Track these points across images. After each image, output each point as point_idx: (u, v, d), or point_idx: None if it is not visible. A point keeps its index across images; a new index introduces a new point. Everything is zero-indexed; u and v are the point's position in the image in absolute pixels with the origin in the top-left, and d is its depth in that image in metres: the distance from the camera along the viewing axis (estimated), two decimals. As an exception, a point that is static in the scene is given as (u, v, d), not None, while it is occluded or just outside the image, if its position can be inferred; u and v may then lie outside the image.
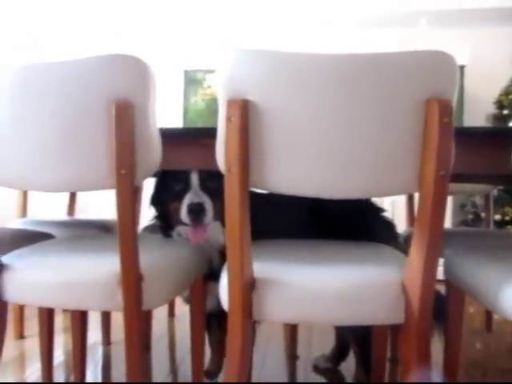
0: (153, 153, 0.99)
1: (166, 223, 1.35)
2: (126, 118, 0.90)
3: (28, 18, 3.19)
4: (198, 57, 3.48)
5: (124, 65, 0.91)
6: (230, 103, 0.87)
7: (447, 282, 1.29)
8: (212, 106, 2.52)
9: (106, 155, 0.93)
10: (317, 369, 1.71)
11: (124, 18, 3.66)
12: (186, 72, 3.18)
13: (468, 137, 1.03)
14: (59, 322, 2.14)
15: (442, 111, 0.83)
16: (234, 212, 0.89)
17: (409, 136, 0.86)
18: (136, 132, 0.93)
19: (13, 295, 1.06)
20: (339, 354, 1.69)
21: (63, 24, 3.48)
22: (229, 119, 0.87)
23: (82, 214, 2.55)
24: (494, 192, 2.44)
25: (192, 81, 2.85)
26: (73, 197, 2.34)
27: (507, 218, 3.07)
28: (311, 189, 0.90)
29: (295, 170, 0.89)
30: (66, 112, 0.92)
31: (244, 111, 0.86)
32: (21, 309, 2.00)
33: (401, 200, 2.38)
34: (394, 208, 2.58)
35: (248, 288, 0.93)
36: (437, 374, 0.95)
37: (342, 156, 0.87)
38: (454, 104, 0.85)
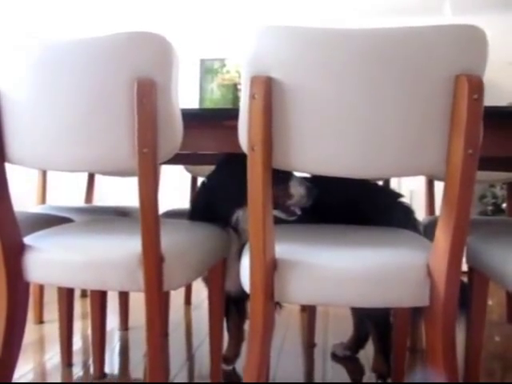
0: (175, 132, 0.98)
1: (223, 208, 1.32)
2: (148, 95, 0.90)
3: (28, 17, 3.21)
4: (214, 46, 3.48)
5: (147, 42, 0.91)
6: (254, 80, 0.86)
7: (470, 270, 1.27)
8: (228, 95, 2.52)
9: (129, 134, 0.93)
10: (335, 357, 1.70)
11: (137, 11, 3.66)
12: (202, 61, 3.17)
13: (493, 117, 1.01)
14: (77, 308, 2.17)
15: (471, 87, 0.80)
16: (257, 192, 0.88)
17: (437, 113, 0.84)
18: (158, 111, 0.92)
19: (35, 275, 1.07)
20: (358, 342, 1.68)
21: (67, 23, 3.49)
22: (252, 96, 0.86)
23: (99, 202, 2.56)
24: (516, 182, 2.38)
25: (208, 69, 2.85)
26: (91, 184, 2.36)
27: (528, 209, 3.01)
28: (336, 168, 0.89)
29: (319, 149, 0.88)
30: (89, 89, 0.92)
31: (268, 88, 0.85)
32: (40, 294, 2.03)
33: (419, 190, 2.36)
34: (413, 197, 2.55)
35: (270, 269, 0.92)
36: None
37: (368, 134, 0.86)
38: (484, 80, 0.83)
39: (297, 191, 1.28)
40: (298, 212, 1.28)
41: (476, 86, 0.81)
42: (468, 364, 1.31)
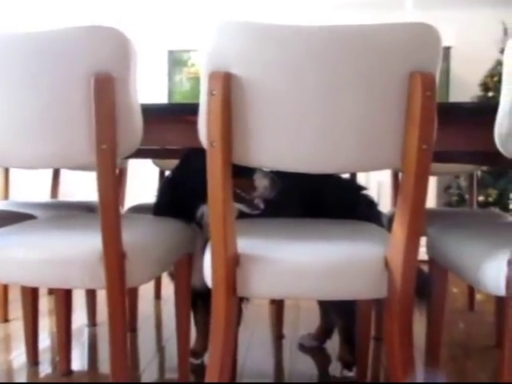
0: (134, 127, 0.97)
1: (188, 203, 1.32)
2: (106, 91, 0.89)
3: (25, 16, 3.11)
4: (182, 37, 3.43)
5: (104, 37, 0.89)
6: (213, 76, 0.86)
7: (430, 260, 1.30)
8: (197, 86, 2.50)
9: (87, 130, 0.92)
10: (302, 347, 1.73)
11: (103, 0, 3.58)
12: (170, 52, 3.13)
13: (452, 113, 1.04)
14: (44, 305, 2.14)
15: (425, 84, 0.82)
16: (217, 187, 0.89)
17: (392, 109, 0.86)
18: (117, 106, 0.91)
19: (-6, 274, 1.04)
20: (324, 332, 1.71)
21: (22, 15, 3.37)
22: (211, 93, 0.85)
23: (65, 197, 2.52)
24: (478, 173, 2.46)
25: (176, 61, 2.81)
26: (56, 179, 2.31)
27: (490, 199, 3.12)
28: (294, 163, 0.90)
29: (278, 144, 0.88)
30: (44, 84, 0.90)
31: (226, 84, 0.85)
32: (5, 292, 1.98)
33: (387, 181, 2.40)
34: (380, 189, 2.60)
35: (232, 264, 0.93)
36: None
37: (325, 130, 0.87)
38: (438, 78, 0.85)
39: (261, 183, 1.28)
40: (262, 206, 1.29)
41: (429, 83, 0.83)
42: (429, 350, 1.35)
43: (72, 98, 0.91)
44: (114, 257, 0.96)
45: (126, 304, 0.99)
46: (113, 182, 0.93)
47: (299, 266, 0.93)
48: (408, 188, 0.88)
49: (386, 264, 0.93)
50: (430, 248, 1.25)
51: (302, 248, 0.97)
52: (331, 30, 0.85)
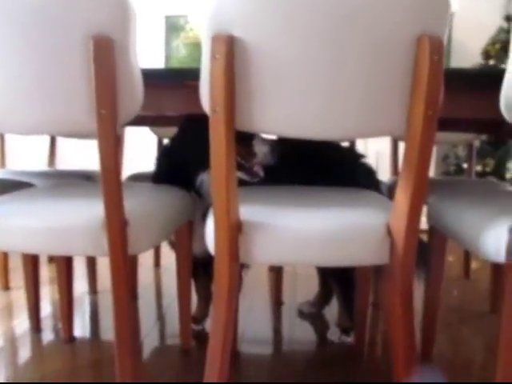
0: (135, 92, 0.95)
1: (187, 171, 1.31)
2: (105, 54, 0.86)
3: None
4: (178, 1, 3.33)
5: (102, -3, 0.86)
6: (215, 39, 0.83)
7: (430, 229, 1.31)
8: (194, 52, 2.44)
9: (86, 94, 0.90)
10: (301, 314, 1.75)
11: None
12: (167, 18, 3.04)
13: (454, 79, 1.02)
14: (45, 272, 2.15)
15: (432, 48, 0.80)
16: (220, 154, 0.87)
17: (398, 74, 0.84)
18: (116, 70, 0.89)
19: (-5, 242, 1.04)
20: (323, 299, 1.74)
21: None
22: (213, 56, 0.83)
23: (62, 166, 2.50)
24: (477, 143, 2.45)
25: (173, 27, 2.74)
26: (52, 148, 2.29)
27: (488, 169, 3.12)
28: (298, 129, 0.89)
29: (282, 110, 0.87)
30: (42, 47, 0.88)
31: (230, 47, 0.83)
32: (5, 260, 1.99)
33: (385, 150, 2.39)
34: (379, 158, 2.59)
35: (234, 231, 0.92)
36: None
37: (330, 94, 0.85)
38: (445, 42, 0.83)
39: (260, 150, 1.27)
40: (261, 174, 1.28)
41: (437, 47, 0.81)
42: (426, 317, 1.37)
43: (70, 62, 0.88)
44: (117, 224, 0.95)
45: (128, 271, 0.99)
46: (114, 148, 0.92)
47: (301, 232, 0.93)
48: (412, 155, 0.87)
49: (388, 231, 0.93)
50: (431, 216, 1.26)
51: (304, 215, 0.97)
52: (337, -9, 0.82)
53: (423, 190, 0.89)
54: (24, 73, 0.89)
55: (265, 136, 1.30)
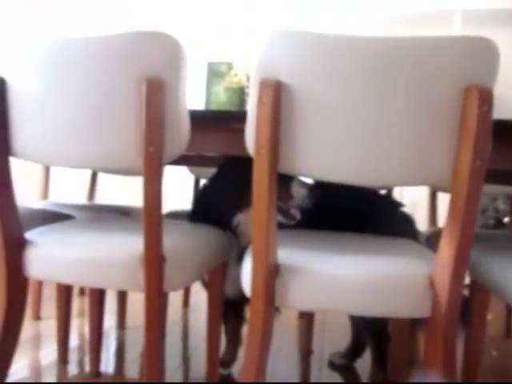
0: (182, 132, 0.98)
1: (224, 211, 1.32)
2: (156, 95, 0.90)
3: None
4: (221, 49, 3.48)
5: (157, 42, 0.91)
6: (263, 84, 0.86)
7: (472, 283, 1.26)
8: (234, 98, 2.52)
9: (135, 132, 0.93)
10: (331, 365, 1.68)
11: (141, 12, 3.68)
12: (209, 64, 3.18)
13: (498, 130, 1.00)
14: (75, 305, 2.16)
15: (481, 99, 0.80)
16: (262, 195, 0.88)
17: (444, 123, 0.84)
18: (166, 110, 0.92)
19: (35, 271, 1.06)
20: (355, 350, 1.67)
21: (75, 22, 3.48)
22: (260, 100, 0.85)
23: (100, 201, 2.56)
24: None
25: (215, 73, 2.85)
26: (93, 183, 2.35)
27: (529, 224, 3.00)
28: (340, 174, 0.89)
29: (325, 155, 0.87)
30: (97, 87, 0.92)
31: (276, 92, 0.85)
32: (39, 290, 2.02)
33: (422, 201, 2.35)
34: (415, 209, 2.55)
35: (272, 273, 0.91)
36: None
37: (374, 142, 0.86)
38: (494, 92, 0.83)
39: (298, 192, 1.27)
40: (298, 216, 1.27)
41: (486, 98, 0.80)
42: (465, 377, 1.30)
43: (122, 101, 0.92)
44: (154, 260, 0.96)
45: (163, 308, 0.99)
46: (158, 185, 0.94)
47: (339, 278, 0.91)
48: (458, 206, 0.85)
49: (431, 282, 0.90)
50: (474, 270, 1.21)
51: (343, 260, 0.95)
52: (383, 41, 0.84)
53: (469, 241, 0.86)
54: (78, 109, 0.94)
55: (303, 179, 1.30)
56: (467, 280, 1.24)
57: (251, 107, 0.89)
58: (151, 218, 0.95)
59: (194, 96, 3.36)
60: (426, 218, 2.21)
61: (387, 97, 0.84)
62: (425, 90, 0.83)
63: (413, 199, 2.64)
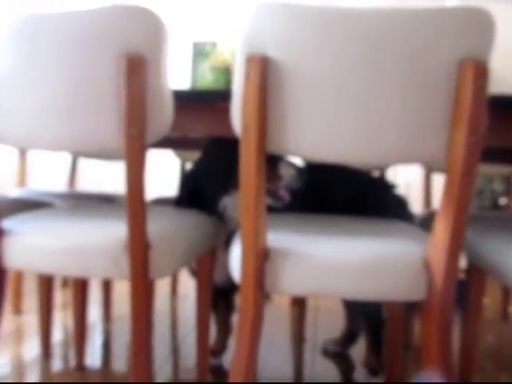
0: (165, 112, 0.97)
1: (210, 195, 1.32)
2: (137, 72, 0.89)
3: None
4: (205, 28, 3.44)
5: (137, 17, 0.89)
6: (249, 59, 0.85)
7: (468, 265, 1.28)
8: (220, 77, 2.49)
9: (115, 113, 0.92)
10: (325, 352, 1.70)
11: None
12: (194, 44, 3.14)
13: (494, 105, 1.01)
14: (58, 298, 2.16)
15: (476, 73, 0.80)
16: (250, 176, 0.87)
17: (438, 99, 0.84)
18: (148, 89, 0.91)
19: (14, 261, 1.05)
20: (349, 337, 1.69)
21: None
22: (247, 76, 0.84)
23: (81, 187, 2.54)
24: (515, 177, 2.40)
25: (200, 53, 2.82)
26: (74, 170, 2.33)
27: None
28: (331, 153, 0.88)
29: (316, 133, 0.87)
30: (74, 66, 0.91)
31: (263, 67, 0.84)
32: (19, 283, 2.01)
33: (416, 182, 2.37)
34: (409, 190, 2.56)
35: (262, 258, 0.91)
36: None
37: (367, 119, 0.85)
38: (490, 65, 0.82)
39: (286, 172, 1.26)
40: (287, 198, 1.26)
41: (481, 72, 0.80)
42: (462, 361, 1.32)
43: (101, 80, 0.91)
44: (139, 246, 0.96)
45: (149, 297, 0.99)
46: (141, 168, 0.93)
47: (332, 261, 0.91)
48: (453, 184, 0.85)
49: (425, 264, 0.91)
50: (470, 251, 1.23)
51: (335, 244, 0.96)
52: (375, 12, 0.83)
53: (464, 221, 0.87)
54: (54, 89, 0.92)
55: (291, 160, 1.29)
56: (463, 263, 1.25)
57: (237, 84, 0.88)
58: (134, 202, 0.94)
59: (179, 78, 3.34)
60: (421, 199, 2.22)
61: (379, 71, 0.83)
62: (417, 63, 0.83)
63: (407, 181, 2.65)
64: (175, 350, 1.72)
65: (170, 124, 0.99)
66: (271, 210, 1.26)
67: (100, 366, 1.58)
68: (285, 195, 1.27)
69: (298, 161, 1.30)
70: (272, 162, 1.24)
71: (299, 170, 1.26)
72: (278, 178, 1.26)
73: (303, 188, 1.26)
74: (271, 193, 1.27)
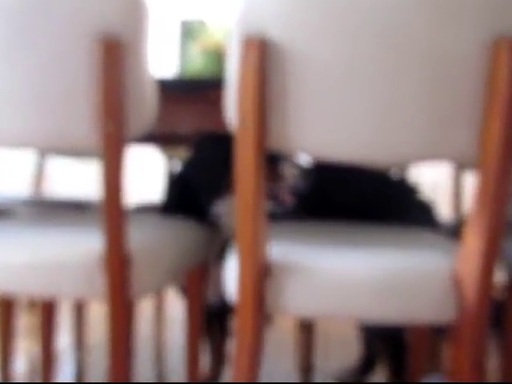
0: (147, 102, 0.97)
1: (201, 199, 1.33)
2: (115, 58, 0.89)
3: None
4: (197, 5, 3.45)
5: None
6: (246, 43, 0.84)
7: (508, 281, 1.27)
8: (213, 62, 2.50)
9: (90, 104, 0.92)
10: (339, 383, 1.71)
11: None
12: (182, 23, 3.14)
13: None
14: (22, 322, 2.15)
15: (513, 55, 0.80)
16: (248, 177, 0.87)
17: (468, 85, 0.84)
18: (127, 76, 0.91)
19: (-32, 280, 1.05)
20: (366, 365, 1.69)
21: None
22: (243, 61, 0.84)
23: (50, 193, 2.54)
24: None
25: (190, 34, 2.82)
26: (40, 171, 2.33)
27: None
28: (344, 150, 0.88)
29: (325, 127, 0.87)
30: (42, 49, 0.91)
31: (262, 51, 0.84)
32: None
33: (444, 183, 2.37)
34: (436, 193, 2.57)
35: (262, 273, 0.91)
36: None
37: (384, 111, 0.85)
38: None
39: (288, 172, 1.26)
40: (290, 202, 1.26)
41: (518, 53, 0.80)
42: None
43: (73, 66, 0.91)
44: (118, 261, 0.95)
45: (130, 321, 0.99)
46: (119, 168, 0.93)
47: (345, 278, 0.91)
48: (487, 185, 0.85)
49: (455, 281, 0.91)
50: (509, 264, 1.23)
51: (348, 256, 0.96)
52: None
53: (500, 229, 0.87)
54: (20, 78, 0.92)
55: (294, 158, 1.30)
56: (500, 279, 1.25)
57: (232, 71, 0.88)
58: (112, 208, 0.94)
59: (165, 63, 3.34)
60: (449, 203, 2.23)
61: (399, 56, 0.83)
62: (445, 45, 0.83)
63: (433, 182, 2.66)
64: (161, 382, 1.72)
65: (154, 117, 1.00)
66: (272, 216, 1.26)
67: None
68: (288, 199, 1.27)
69: (303, 159, 1.30)
70: (272, 160, 1.24)
71: (304, 170, 1.26)
72: (279, 178, 1.27)
73: (309, 190, 1.26)
74: (271, 196, 1.27)
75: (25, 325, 2.14)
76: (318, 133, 0.88)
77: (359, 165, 0.91)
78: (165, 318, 2.36)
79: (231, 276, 0.96)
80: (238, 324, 0.94)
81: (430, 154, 0.89)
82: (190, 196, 1.34)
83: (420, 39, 0.82)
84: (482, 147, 0.85)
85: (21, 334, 1.92)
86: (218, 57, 2.58)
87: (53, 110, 0.94)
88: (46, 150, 2.07)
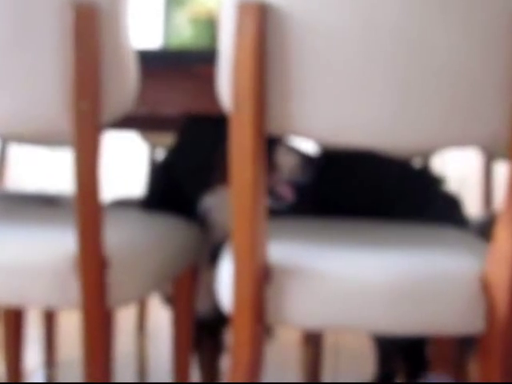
0: (126, 79, 0.98)
1: (188, 192, 1.34)
2: (89, 27, 0.89)
3: None
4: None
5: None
6: (242, 9, 0.84)
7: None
8: (203, 32, 2.51)
9: (60, 81, 0.92)
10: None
11: None
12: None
13: None
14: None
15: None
16: (244, 168, 0.88)
17: (501, 60, 0.84)
18: (103, 49, 0.91)
19: None
20: (383, 379, 1.70)
21: None
22: (239, 32, 0.84)
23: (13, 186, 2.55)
24: None
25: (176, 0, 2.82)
26: (2, 160, 2.33)
27: None
28: (356, 134, 0.89)
29: (333, 107, 0.87)
30: (5, 17, 0.91)
31: (261, 20, 0.84)
32: None
33: (472, 176, 2.38)
34: (464, 186, 2.58)
35: (261, 279, 0.92)
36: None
37: (403, 90, 0.86)
38: None
39: (286, 161, 1.26)
40: (290, 196, 1.26)
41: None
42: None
43: (41, 37, 0.91)
44: (93, 264, 0.96)
45: (108, 333, 0.99)
46: (94, 156, 0.93)
47: (356, 283, 0.92)
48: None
49: (484, 285, 0.91)
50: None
51: (360, 258, 0.96)
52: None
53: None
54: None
55: (292, 144, 1.29)
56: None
57: (226, 42, 0.89)
58: (86, 203, 0.95)
59: (147, 34, 3.34)
60: (479, 198, 2.24)
61: (421, 27, 0.84)
62: (475, 14, 0.83)
63: (460, 173, 2.67)
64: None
65: (134, 96, 1.00)
66: (271, 213, 1.27)
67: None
68: (286, 193, 1.27)
69: (307, 145, 1.29)
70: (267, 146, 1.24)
71: (304, 159, 1.25)
72: (274, 168, 1.26)
73: (313, 183, 1.26)
74: (268, 189, 1.27)
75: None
76: (328, 115, 0.88)
77: (373, 151, 0.92)
78: (148, 330, 2.38)
79: (225, 282, 0.96)
80: (233, 337, 0.94)
81: (456, 140, 0.90)
82: (176, 189, 1.35)
83: (443, 11, 0.83)
84: (514, 131, 0.86)
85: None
86: (209, 26, 2.59)
87: (16, 88, 0.94)
88: (7, 136, 2.07)
